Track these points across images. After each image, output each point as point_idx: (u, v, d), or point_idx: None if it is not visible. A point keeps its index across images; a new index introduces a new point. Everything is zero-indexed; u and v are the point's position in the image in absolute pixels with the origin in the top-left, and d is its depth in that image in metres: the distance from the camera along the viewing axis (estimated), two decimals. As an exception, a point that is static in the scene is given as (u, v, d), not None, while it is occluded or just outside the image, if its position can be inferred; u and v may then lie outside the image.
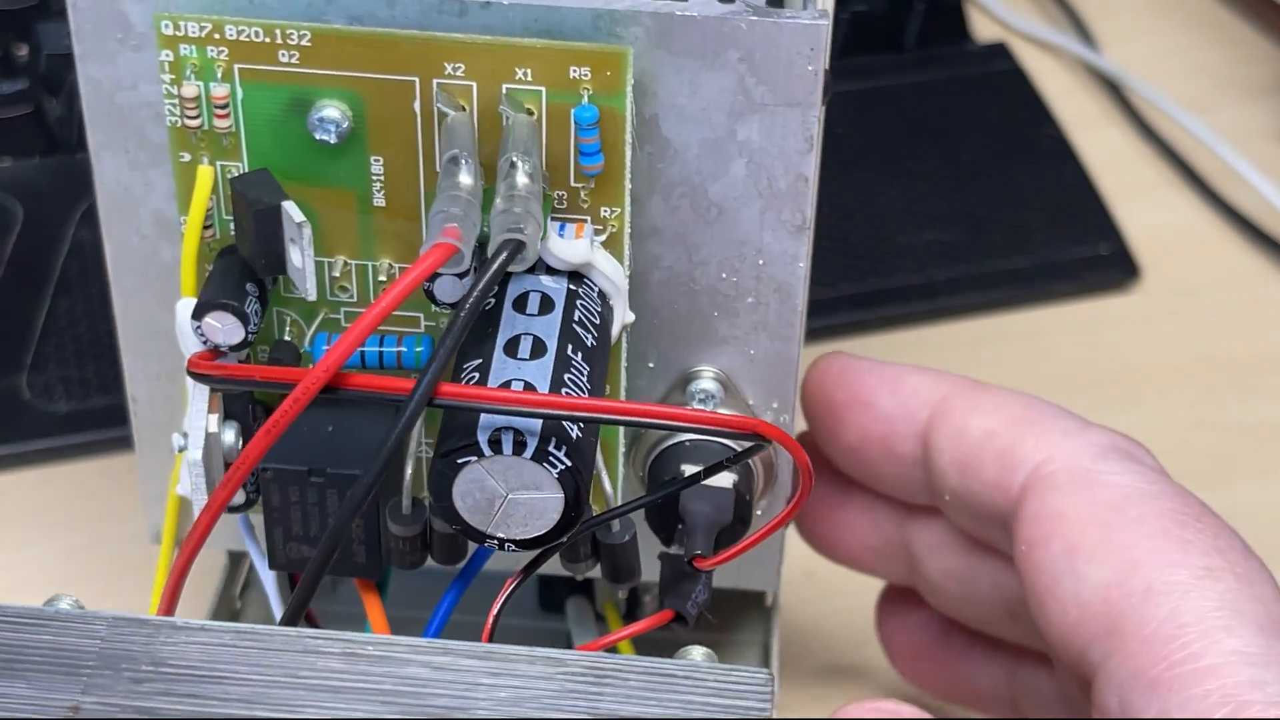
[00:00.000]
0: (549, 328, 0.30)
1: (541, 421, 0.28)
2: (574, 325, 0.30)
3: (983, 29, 0.64)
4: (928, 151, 0.58)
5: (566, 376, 0.29)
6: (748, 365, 0.34)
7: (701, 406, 0.34)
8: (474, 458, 0.28)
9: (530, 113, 0.30)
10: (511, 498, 0.29)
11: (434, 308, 0.31)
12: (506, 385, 0.29)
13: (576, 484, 0.29)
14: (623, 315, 0.31)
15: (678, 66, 0.30)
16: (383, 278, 0.32)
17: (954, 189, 0.56)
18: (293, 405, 0.28)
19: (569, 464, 0.28)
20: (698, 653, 0.27)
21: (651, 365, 0.34)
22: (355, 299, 0.32)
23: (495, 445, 0.28)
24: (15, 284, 0.51)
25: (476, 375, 0.29)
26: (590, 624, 0.39)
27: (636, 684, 0.25)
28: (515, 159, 0.29)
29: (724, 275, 0.32)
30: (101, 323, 0.49)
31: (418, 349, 0.31)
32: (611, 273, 0.31)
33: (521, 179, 0.29)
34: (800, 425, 0.37)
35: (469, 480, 0.29)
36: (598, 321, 0.31)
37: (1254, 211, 0.57)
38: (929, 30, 0.62)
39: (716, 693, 0.25)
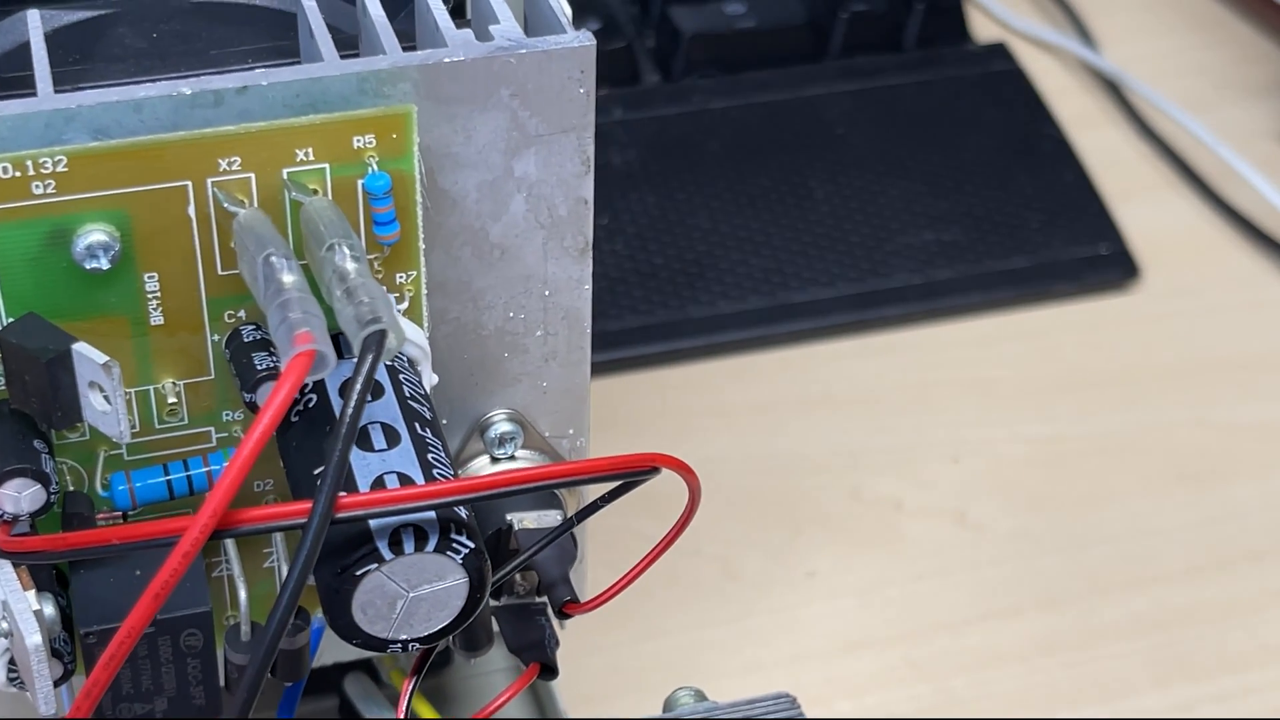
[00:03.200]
0: (390, 411, 0.28)
1: (434, 512, 0.27)
2: (409, 402, 0.29)
3: (982, 29, 0.64)
4: (928, 151, 0.58)
5: (430, 456, 0.28)
6: (541, 398, 0.33)
7: (502, 450, 0.33)
8: (375, 565, 0.27)
9: (316, 192, 0.28)
10: (414, 596, 0.28)
11: (228, 417, 0.30)
12: (380, 482, 0.27)
13: (480, 566, 0.28)
14: (429, 379, 0.30)
15: (450, 115, 0.29)
16: (172, 400, 0.30)
17: (954, 189, 0.56)
18: (182, 560, 0.25)
19: (471, 547, 0.27)
20: (687, 695, 0.27)
21: (445, 421, 0.32)
22: (139, 428, 0.30)
23: (396, 546, 0.27)
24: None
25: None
26: (378, 696, 0.38)
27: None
28: (335, 244, 0.27)
29: (511, 314, 0.32)
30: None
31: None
32: (418, 339, 0.30)
33: (350, 265, 0.27)
34: (594, 449, 0.36)
35: (369, 590, 0.27)
36: (423, 391, 0.30)
37: (1254, 211, 0.57)
38: (929, 30, 0.62)
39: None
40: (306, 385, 0.29)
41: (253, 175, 0.28)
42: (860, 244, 0.54)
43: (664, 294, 0.52)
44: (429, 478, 0.27)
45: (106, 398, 0.27)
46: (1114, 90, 0.62)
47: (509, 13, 0.30)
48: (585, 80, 0.29)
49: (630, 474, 0.29)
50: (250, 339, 0.29)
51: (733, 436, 0.49)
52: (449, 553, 0.27)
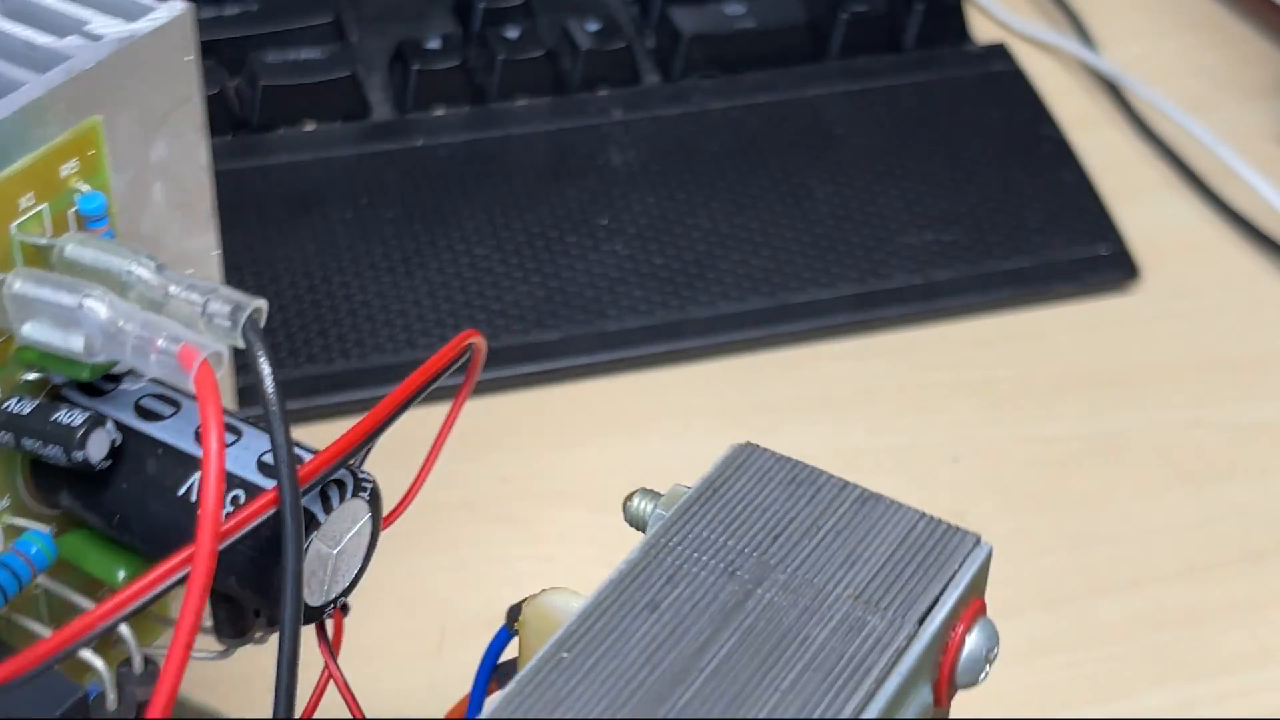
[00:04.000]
0: (196, 410, 0.28)
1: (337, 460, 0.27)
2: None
3: (982, 30, 0.64)
4: (927, 152, 0.58)
5: (261, 429, 0.29)
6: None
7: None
8: (314, 532, 0.27)
9: (48, 234, 0.28)
10: (339, 550, 0.28)
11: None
12: (266, 465, 0.28)
13: (377, 495, 0.28)
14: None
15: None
16: None
17: (954, 189, 0.56)
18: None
19: (371, 480, 0.28)
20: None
21: None
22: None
23: (326, 504, 0.27)
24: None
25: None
26: None
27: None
28: (130, 267, 0.28)
29: None
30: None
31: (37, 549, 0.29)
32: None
33: (164, 276, 0.28)
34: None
35: (310, 562, 0.28)
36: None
37: (1253, 212, 0.57)
38: (928, 31, 0.62)
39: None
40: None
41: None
42: (860, 244, 0.54)
43: (664, 294, 0.52)
44: (286, 444, 0.27)
45: None
46: (1114, 91, 0.62)
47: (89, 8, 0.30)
48: (188, 48, 0.30)
49: (456, 359, 0.30)
50: (28, 409, 0.29)
51: (733, 436, 0.49)
52: (360, 493, 0.28)
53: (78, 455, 0.28)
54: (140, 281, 0.28)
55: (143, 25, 0.29)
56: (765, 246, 0.54)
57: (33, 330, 0.28)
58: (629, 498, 0.31)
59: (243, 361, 0.28)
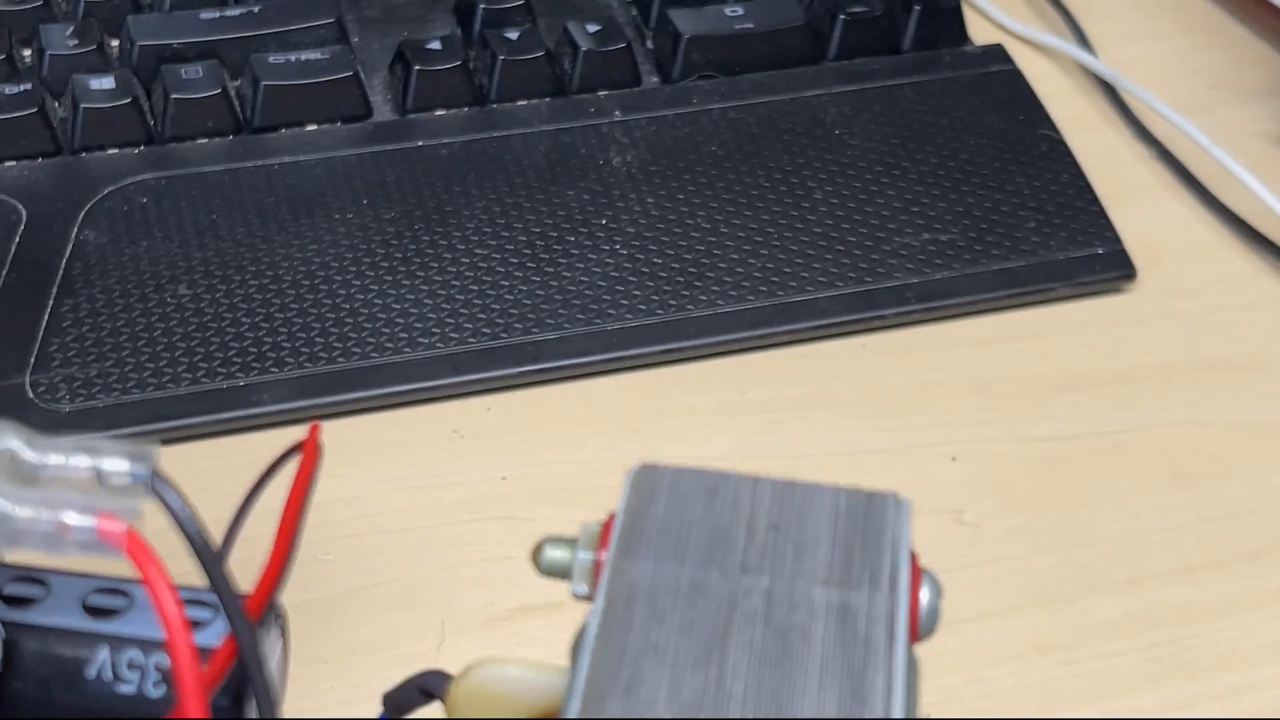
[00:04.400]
0: (69, 584, 0.28)
1: None
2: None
3: (979, 31, 0.64)
4: (925, 153, 0.58)
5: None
6: None
7: None
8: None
9: None
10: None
11: None
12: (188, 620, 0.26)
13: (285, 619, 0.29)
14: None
15: None
16: None
17: (951, 190, 0.57)
18: None
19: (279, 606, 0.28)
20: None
21: None
22: None
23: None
24: (19, 285, 0.51)
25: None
26: None
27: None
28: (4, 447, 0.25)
29: None
30: (106, 323, 0.49)
31: None
32: None
33: (24, 450, 0.26)
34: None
35: None
36: None
37: (1250, 214, 0.58)
38: (926, 32, 0.62)
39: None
40: None
41: None
42: (858, 244, 0.54)
43: (664, 294, 0.52)
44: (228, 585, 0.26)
45: None
46: (1111, 92, 0.63)
47: None
48: None
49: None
50: None
51: (733, 436, 0.50)
52: (276, 621, 0.29)
53: None
54: (12, 459, 0.25)
55: None
56: (765, 246, 0.54)
57: None
58: (538, 550, 0.30)
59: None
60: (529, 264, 0.53)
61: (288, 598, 0.30)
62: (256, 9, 0.59)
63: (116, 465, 0.25)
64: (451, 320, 0.51)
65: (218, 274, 0.51)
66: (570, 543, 0.30)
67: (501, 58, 0.58)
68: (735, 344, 0.52)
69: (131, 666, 0.27)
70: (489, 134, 0.57)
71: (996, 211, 0.56)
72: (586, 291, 0.52)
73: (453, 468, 0.48)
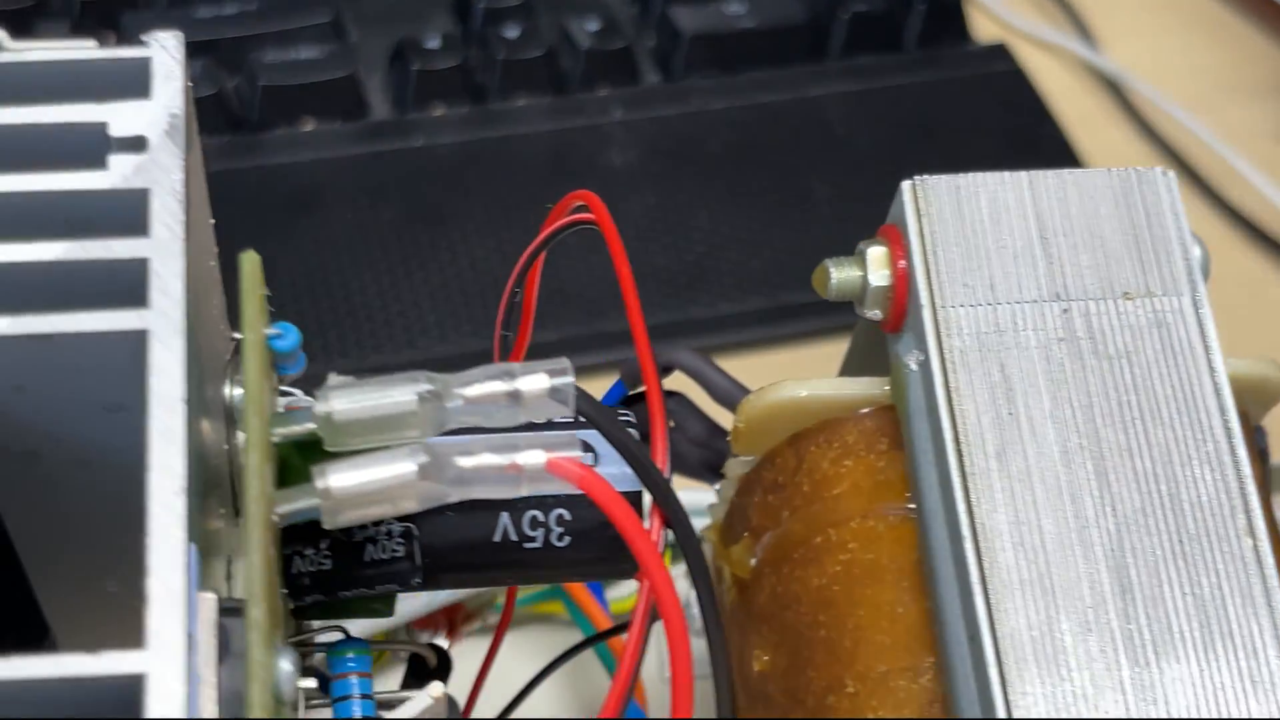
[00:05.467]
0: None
1: None
2: None
3: (983, 29, 0.64)
4: (928, 152, 0.58)
5: None
6: None
7: None
8: None
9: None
10: None
11: None
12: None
13: None
14: None
15: None
16: None
17: (954, 189, 0.56)
18: None
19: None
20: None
21: None
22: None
23: None
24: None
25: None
26: None
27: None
28: (413, 394, 0.26)
29: None
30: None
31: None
32: None
33: (442, 390, 0.27)
34: None
35: None
36: None
37: (1254, 211, 0.57)
38: (929, 30, 0.61)
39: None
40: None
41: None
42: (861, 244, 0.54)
43: (664, 294, 0.52)
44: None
45: None
46: (1115, 90, 0.62)
47: None
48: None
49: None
50: (328, 564, 0.28)
51: (733, 437, 0.49)
52: None
53: (416, 580, 0.28)
54: (427, 403, 0.26)
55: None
56: (765, 246, 0.54)
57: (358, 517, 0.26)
58: (822, 270, 0.31)
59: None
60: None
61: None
62: (254, 7, 0.59)
63: (536, 383, 0.26)
64: (451, 320, 0.51)
65: (215, 274, 0.51)
66: (855, 260, 0.31)
67: (501, 56, 0.58)
68: (735, 344, 0.52)
69: (534, 525, 0.29)
70: (489, 133, 0.57)
71: (999, 210, 0.56)
72: (587, 291, 0.52)
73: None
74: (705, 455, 0.34)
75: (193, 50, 0.58)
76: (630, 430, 0.29)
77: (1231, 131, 0.60)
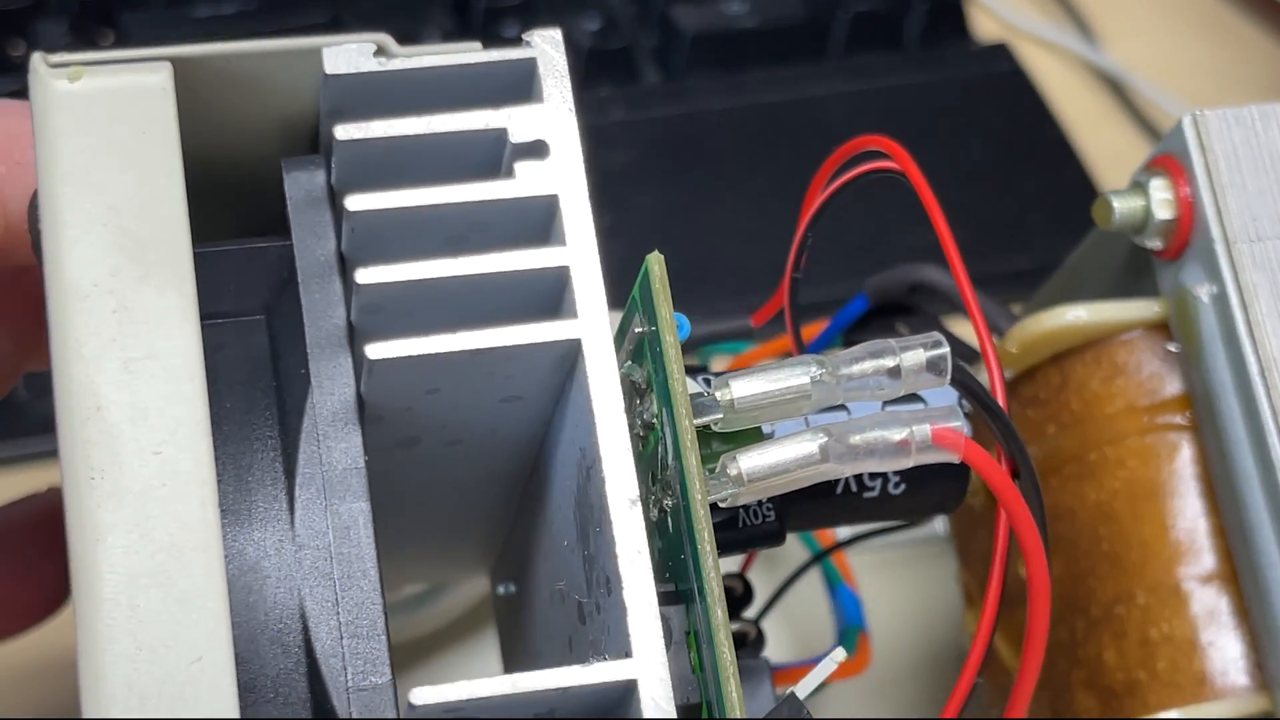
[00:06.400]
0: None
1: None
2: None
3: (984, 28, 0.64)
4: (929, 151, 0.57)
5: None
6: None
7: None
8: None
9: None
10: None
11: None
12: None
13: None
14: None
15: None
16: None
17: (955, 189, 0.56)
18: None
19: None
20: None
21: None
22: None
23: None
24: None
25: None
26: None
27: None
28: (807, 378, 0.28)
29: None
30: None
31: None
32: None
33: (826, 375, 0.29)
34: None
35: None
36: None
37: (1257, 211, 0.57)
38: (930, 29, 0.61)
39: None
40: None
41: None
42: (861, 244, 0.54)
43: (664, 294, 0.52)
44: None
45: None
46: (1116, 89, 0.62)
47: None
48: None
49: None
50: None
51: (733, 438, 0.49)
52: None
53: (780, 541, 0.30)
54: (818, 385, 0.28)
55: None
56: (765, 246, 0.53)
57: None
58: (1104, 203, 0.33)
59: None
60: (528, 264, 0.52)
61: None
62: (253, 5, 0.59)
63: (914, 358, 0.28)
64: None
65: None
66: (1137, 191, 0.32)
67: (500, 55, 0.57)
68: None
69: (874, 476, 0.31)
70: (488, 132, 0.56)
71: (1001, 210, 0.56)
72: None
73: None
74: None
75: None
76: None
77: (1233, 131, 0.60)
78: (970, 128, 0.58)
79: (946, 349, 0.28)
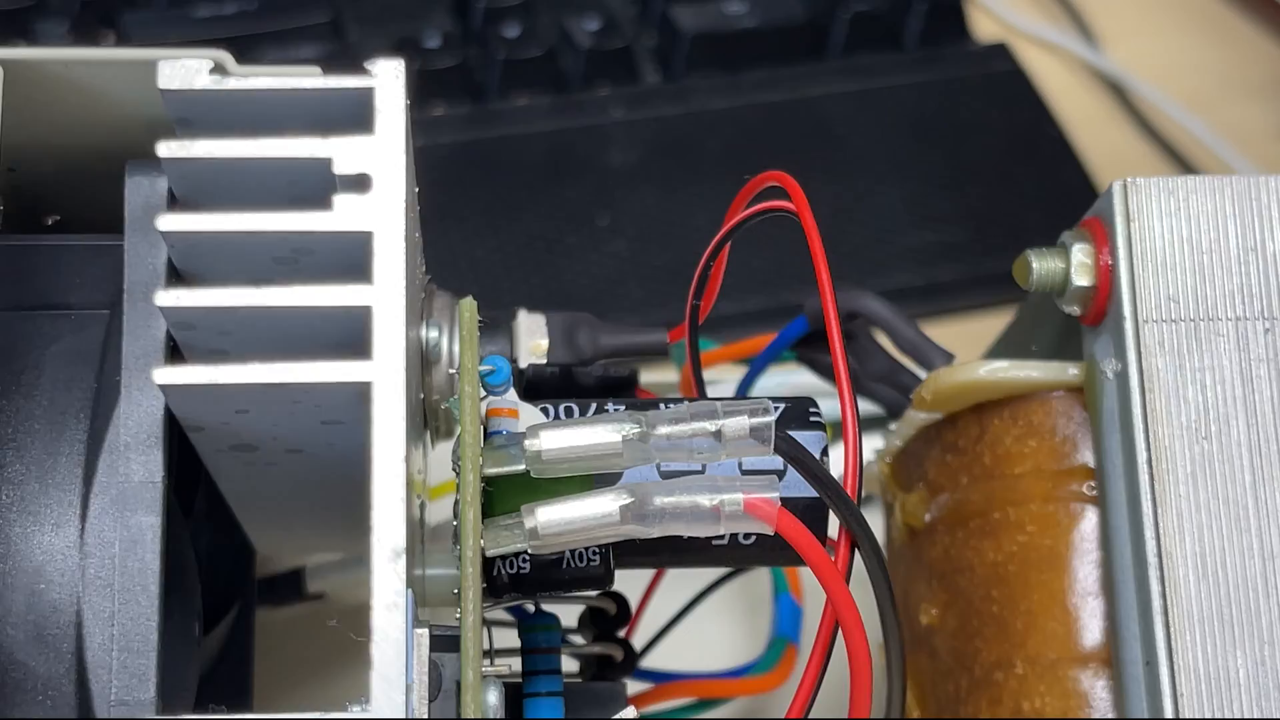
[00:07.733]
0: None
1: None
2: None
3: (984, 28, 0.64)
4: (929, 152, 0.57)
5: None
6: None
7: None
8: None
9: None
10: None
11: None
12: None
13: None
14: None
15: None
16: None
17: (955, 189, 0.56)
18: None
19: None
20: None
21: None
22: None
23: None
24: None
25: None
26: None
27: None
28: (619, 435, 0.28)
29: None
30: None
31: None
32: None
33: (646, 430, 0.28)
34: None
35: None
36: None
37: (1256, 211, 0.57)
38: (930, 30, 0.61)
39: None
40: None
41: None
42: (861, 244, 0.54)
43: (664, 294, 0.52)
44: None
45: None
46: (1116, 90, 0.62)
47: None
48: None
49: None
50: (526, 567, 0.29)
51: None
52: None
53: (608, 584, 0.30)
54: (629, 444, 0.27)
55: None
56: (765, 246, 0.54)
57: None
58: (1024, 262, 0.32)
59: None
60: (529, 264, 0.52)
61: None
62: (253, 6, 0.59)
63: (738, 424, 0.27)
64: (450, 320, 0.51)
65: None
66: (1048, 254, 0.32)
67: (501, 56, 0.57)
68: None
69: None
70: (488, 133, 0.56)
71: (1000, 210, 0.56)
72: (587, 292, 0.52)
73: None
74: (886, 392, 0.35)
75: (192, 50, 0.58)
76: (820, 427, 0.30)
77: (1231, 131, 0.60)
78: (970, 128, 0.58)
79: (772, 418, 0.27)
